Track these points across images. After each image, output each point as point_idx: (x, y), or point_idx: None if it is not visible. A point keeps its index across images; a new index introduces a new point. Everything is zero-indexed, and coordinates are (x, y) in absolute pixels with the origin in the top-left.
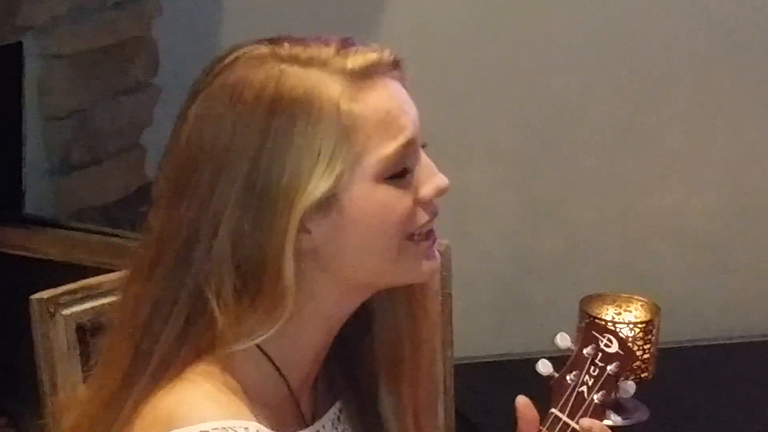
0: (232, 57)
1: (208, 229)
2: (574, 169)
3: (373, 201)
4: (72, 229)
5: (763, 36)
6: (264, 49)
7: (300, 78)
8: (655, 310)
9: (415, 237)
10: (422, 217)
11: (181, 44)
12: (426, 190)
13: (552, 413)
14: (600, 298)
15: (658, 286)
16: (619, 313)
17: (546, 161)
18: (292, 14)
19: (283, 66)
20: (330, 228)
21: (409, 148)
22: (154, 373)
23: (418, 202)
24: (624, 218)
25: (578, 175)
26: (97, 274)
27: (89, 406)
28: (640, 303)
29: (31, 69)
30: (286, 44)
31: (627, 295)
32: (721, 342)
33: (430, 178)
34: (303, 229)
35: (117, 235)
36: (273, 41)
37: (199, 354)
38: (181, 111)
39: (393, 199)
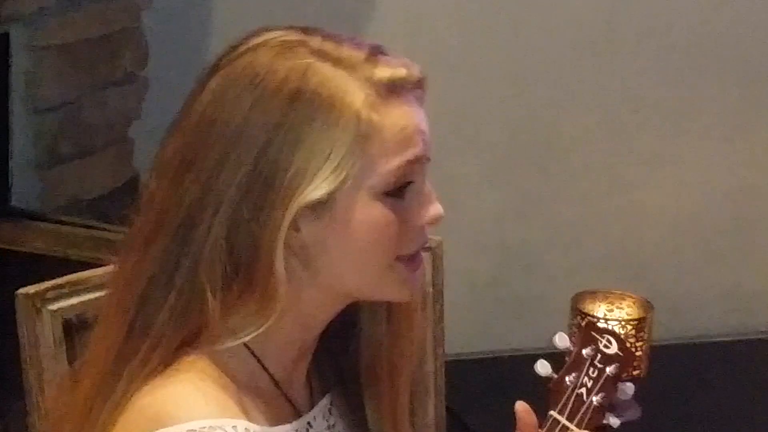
0: (260, 39)
1: (210, 209)
2: (565, 165)
3: (366, 215)
4: (59, 222)
5: (754, 33)
6: (295, 37)
7: (326, 77)
8: (647, 307)
9: (401, 259)
10: (411, 244)
11: (170, 36)
12: (420, 218)
13: (551, 416)
14: (592, 294)
15: (650, 283)
16: (611, 310)
17: (536, 157)
18: (282, 9)
19: (312, 60)
20: (319, 230)
21: (414, 165)
22: (146, 354)
23: (409, 228)
24: (616, 214)
25: (570, 170)
26: (85, 269)
27: (81, 388)
28: (632, 300)
29: (19, 60)
30: (318, 37)
31: (619, 292)
32: (714, 340)
33: (426, 206)
34: (293, 226)
35: (105, 229)
36: (306, 31)
37: (187, 339)
38: (197, 83)
39: (385, 220)
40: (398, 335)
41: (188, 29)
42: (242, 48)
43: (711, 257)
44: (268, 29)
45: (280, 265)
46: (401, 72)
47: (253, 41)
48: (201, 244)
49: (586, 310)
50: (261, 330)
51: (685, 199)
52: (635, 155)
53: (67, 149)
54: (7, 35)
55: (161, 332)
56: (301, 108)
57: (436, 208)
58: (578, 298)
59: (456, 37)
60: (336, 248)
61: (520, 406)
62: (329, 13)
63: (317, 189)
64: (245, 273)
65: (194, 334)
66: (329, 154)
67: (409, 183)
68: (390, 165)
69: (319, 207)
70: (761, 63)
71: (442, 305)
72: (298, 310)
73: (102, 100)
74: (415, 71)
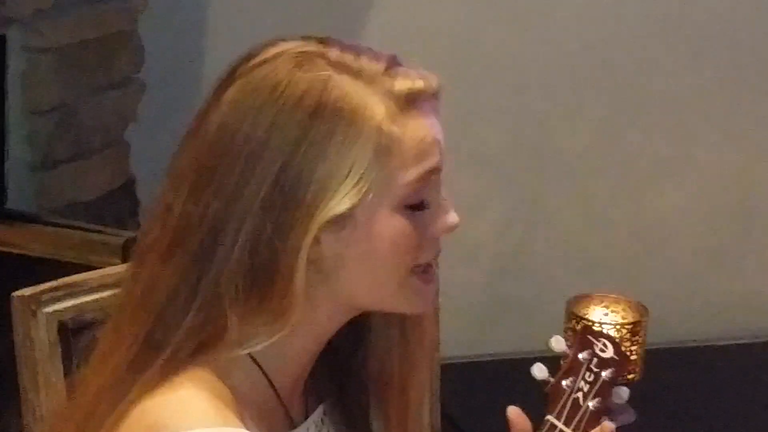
0: (278, 49)
1: (234, 225)
2: (562, 171)
3: (386, 227)
4: (55, 225)
5: (754, 40)
6: (313, 48)
7: (347, 90)
8: (642, 311)
9: (416, 270)
10: (427, 253)
11: (166, 39)
12: (437, 228)
13: (548, 420)
14: (587, 298)
15: (645, 288)
16: (607, 314)
17: (534, 162)
18: (278, 12)
19: (332, 72)
20: (339, 243)
21: (432, 177)
22: (164, 365)
23: (426, 237)
24: (612, 219)
25: (567, 176)
26: (80, 271)
27: (86, 395)
28: (627, 304)
29: (15, 62)
30: (336, 48)
31: (614, 296)
32: (709, 344)
33: (443, 216)
34: (318, 238)
35: (100, 232)
36: (323, 41)
37: (197, 352)
38: (212, 93)
39: (405, 231)
40: (410, 345)
41: (184, 32)
42: (259, 58)
43: (707, 261)
44: (284, 39)
45: (300, 279)
46: (419, 84)
47: (271, 51)
48: (224, 260)
49: (581, 314)
50: (270, 341)
51: (683, 205)
52: (633, 160)
53: (62, 152)
54: (3, 37)
55: (178, 346)
56: (323, 122)
57: (452, 217)
58: (574, 302)
59: (457, 43)
60: (355, 260)
61: (512, 412)
62: (326, 18)
63: (340, 204)
64: (263, 287)
65: (206, 346)
66: (351, 169)
67: (423, 203)
68: (409, 176)
69: (340, 220)
70: (763, 68)
71: (438, 309)
72: (311, 322)
73: (98, 103)
74: (433, 82)
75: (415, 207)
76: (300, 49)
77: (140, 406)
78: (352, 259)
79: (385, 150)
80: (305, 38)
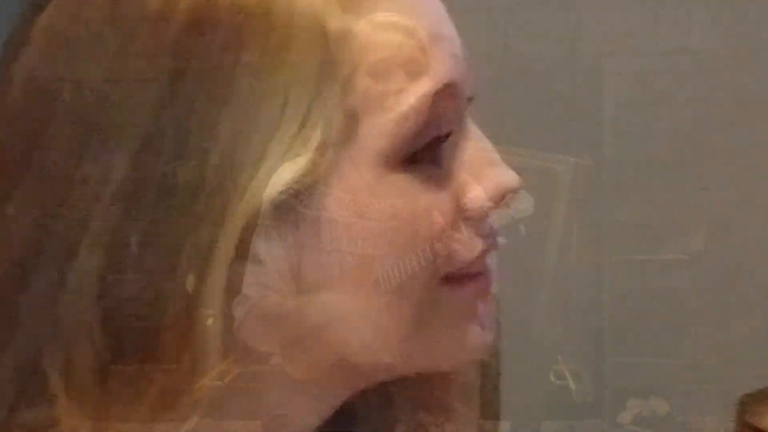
0: None
1: (57, 248)
2: None
3: (376, 204)
4: None
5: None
6: None
7: None
8: None
9: (451, 280)
10: (465, 246)
11: None
12: (478, 192)
13: None
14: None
15: None
16: None
17: None
18: None
19: None
20: (297, 251)
21: (441, 103)
22: None
23: (460, 214)
24: None
25: None
26: None
27: None
28: None
29: None
30: None
31: None
32: None
33: (486, 170)
34: (242, 248)
35: None
36: None
37: None
38: (12, 31)
39: (415, 202)
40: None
41: None
42: None
43: None
44: None
45: (209, 319)
46: None
47: None
48: (41, 308)
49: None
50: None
51: None
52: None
53: None
54: None
55: None
56: (215, 37)
57: (505, 174)
58: (749, 402)
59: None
60: (332, 279)
61: None
62: None
63: (276, 178)
64: (136, 344)
65: None
66: (283, 107)
67: (440, 138)
68: (398, 108)
69: (287, 206)
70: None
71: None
72: (295, 394)
73: None
74: None
75: (424, 162)
76: None
77: None
78: (329, 279)
79: (339, 64)
80: None
